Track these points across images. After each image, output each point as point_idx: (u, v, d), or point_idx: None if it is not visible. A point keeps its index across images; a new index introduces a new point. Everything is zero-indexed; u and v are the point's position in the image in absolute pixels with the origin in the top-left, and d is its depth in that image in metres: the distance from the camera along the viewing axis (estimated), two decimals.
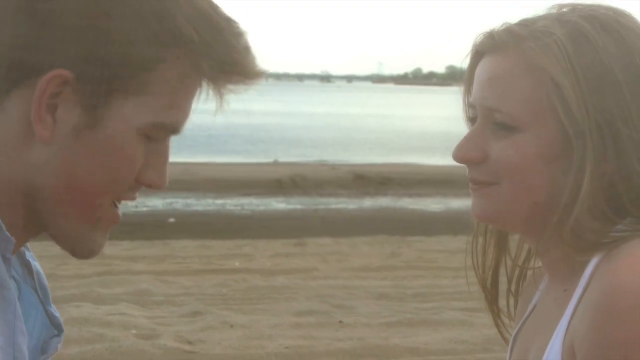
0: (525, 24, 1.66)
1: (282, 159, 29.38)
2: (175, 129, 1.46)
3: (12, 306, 1.40)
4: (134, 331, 7.77)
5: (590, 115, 1.56)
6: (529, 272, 1.86)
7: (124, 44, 1.38)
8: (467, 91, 1.75)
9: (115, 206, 1.48)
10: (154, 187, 1.48)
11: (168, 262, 11.68)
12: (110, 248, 12.53)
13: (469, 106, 1.71)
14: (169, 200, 19.17)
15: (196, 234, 14.46)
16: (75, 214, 1.44)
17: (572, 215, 1.57)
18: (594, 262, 1.57)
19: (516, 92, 1.61)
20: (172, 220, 16.62)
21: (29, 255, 1.57)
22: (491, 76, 1.64)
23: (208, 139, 39.85)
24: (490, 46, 1.67)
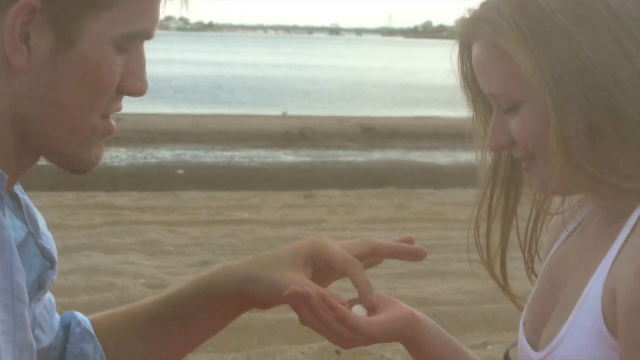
0: (482, 2, 1.67)
1: (291, 111, 29.33)
2: (147, 35, 1.48)
3: (7, 244, 1.42)
4: (142, 280, 7.80)
5: (544, 73, 1.56)
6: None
7: None
8: (464, 78, 1.77)
9: (106, 118, 1.50)
10: (137, 93, 1.50)
11: (177, 213, 11.71)
12: (120, 198, 12.56)
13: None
14: (177, 152, 19.19)
15: (205, 186, 14.49)
16: (67, 134, 1.46)
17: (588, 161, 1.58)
18: None
19: (498, 75, 1.63)
20: (180, 171, 16.64)
21: (17, 189, 1.56)
22: (476, 66, 1.68)
23: (217, 91, 39.81)
24: (463, 36, 1.70)
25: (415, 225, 11.11)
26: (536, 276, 1.85)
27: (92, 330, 1.75)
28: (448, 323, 6.40)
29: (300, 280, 1.65)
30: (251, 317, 6.24)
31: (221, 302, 1.72)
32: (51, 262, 1.60)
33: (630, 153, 1.58)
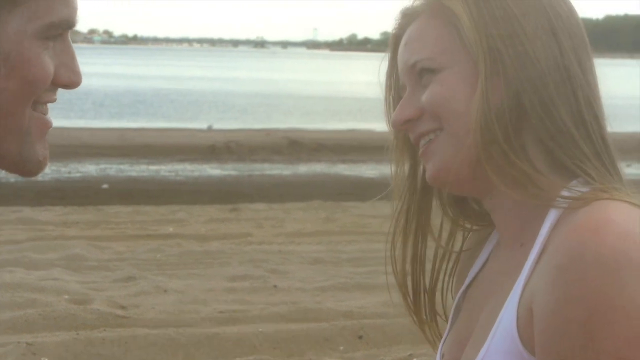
0: None
1: (217, 125, 29.24)
2: (69, 23, 1.46)
3: None
4: (66, 296, 7.71)
5: (482, 39, 1.59)
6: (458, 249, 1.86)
7: None
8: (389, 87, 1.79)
9: (42, 112, 1.47)
10: (71, 85, 1.49)
11: (101, 228, 11.60)
12: (43, 213, 12.40)
13: (400, 89, 1.74)
14: (102, 166, 19.02)
15: (130, 200, 14.38)
16: (4, 135, 1.44)
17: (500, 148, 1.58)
18: (551, 218, 1.57)
19: (430, 39, 1.65)
20: (105, 186, 16.49)
21: None
22: (407, 41, 1.69)
23: (141, 104, 39.54)
24: (406, 18, 1.72)
25: (341, 238, 11.13)
26: (432, 314, 1.88)
27: None
28: (374, 336, 6.41)
29: None
30: (177, 332, 6.20)
31: None
32: None
33: (547, 153, 1.60)
